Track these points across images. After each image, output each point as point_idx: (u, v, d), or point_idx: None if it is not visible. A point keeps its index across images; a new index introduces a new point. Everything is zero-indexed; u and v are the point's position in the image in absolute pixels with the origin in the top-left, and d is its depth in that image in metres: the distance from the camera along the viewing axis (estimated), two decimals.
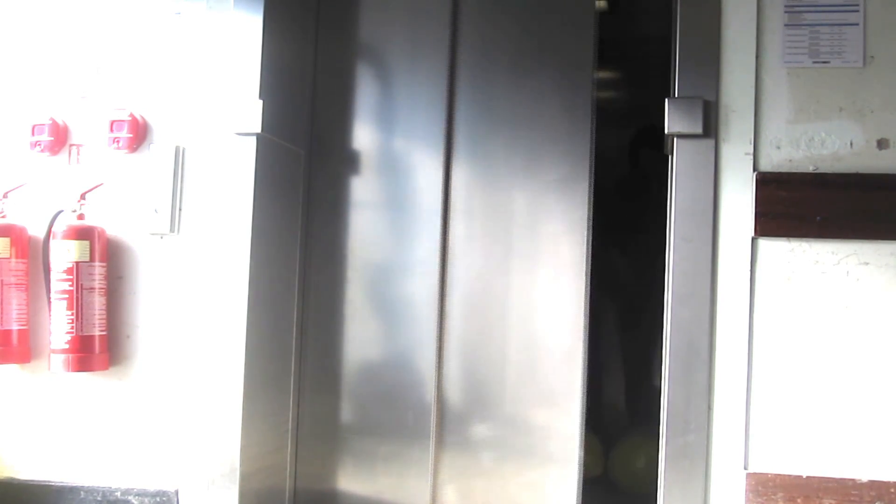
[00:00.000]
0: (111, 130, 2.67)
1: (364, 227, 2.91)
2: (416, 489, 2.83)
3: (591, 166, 2.82)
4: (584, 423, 2.74)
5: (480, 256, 2.84)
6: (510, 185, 2.85)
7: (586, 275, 2.78)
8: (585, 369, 2.74)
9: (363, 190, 2.92)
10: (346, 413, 2.89)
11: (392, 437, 2.86)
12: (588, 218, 2.79)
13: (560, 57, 2.86)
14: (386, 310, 2.89)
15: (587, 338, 2.76)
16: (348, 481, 2.88)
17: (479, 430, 2.83)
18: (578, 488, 2.74)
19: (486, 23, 2.89)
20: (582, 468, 2.73)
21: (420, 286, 2.85)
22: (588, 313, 2.76)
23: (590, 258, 2.79)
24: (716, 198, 2.34)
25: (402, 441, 2.84)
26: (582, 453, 2.73)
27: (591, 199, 2.80)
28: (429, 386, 2.83)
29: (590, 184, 2.81)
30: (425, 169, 2.87)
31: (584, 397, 2.74)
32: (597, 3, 2.84)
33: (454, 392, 2.83)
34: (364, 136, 2.93)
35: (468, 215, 2.85)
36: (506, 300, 2.82)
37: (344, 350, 2.90)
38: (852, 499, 2.24)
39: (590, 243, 2.79)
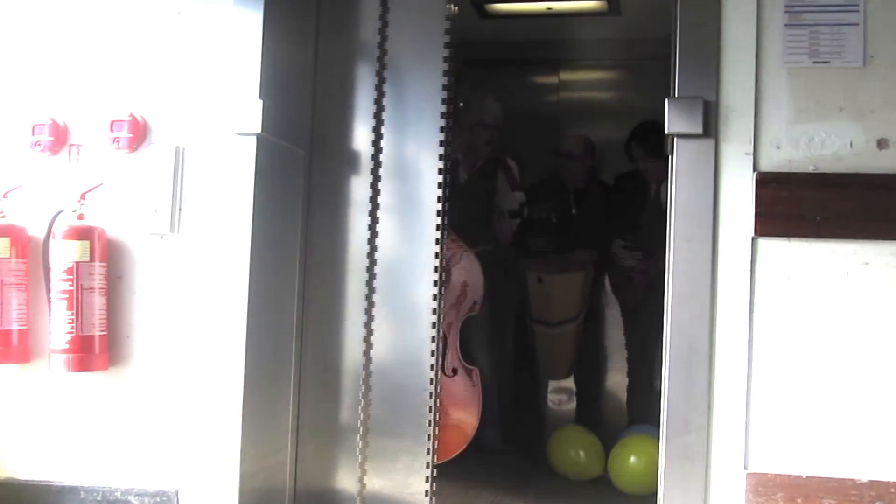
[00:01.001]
0: (111, 130, 2.67)
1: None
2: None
3: (440, 166, 2.85)
4: (434, 410, 2.83)
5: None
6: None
7: (436, 274, 2.85)
8: (434, 369, 2.83)
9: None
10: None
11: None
12: (438, 218, 2.85)
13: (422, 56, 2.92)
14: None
15: (437, 337, 2.84)
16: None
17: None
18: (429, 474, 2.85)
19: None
20: (433, 452, 2.84)
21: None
22: (439, 312, 2.85)
23: (440, 258, 2.86)
24: (716, 198, 2.34)
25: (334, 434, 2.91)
26: (433, 439, 2.84)
27: (443, 199, 2.86)
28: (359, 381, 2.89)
29: (441, 184, 2.85)
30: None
31: (435, 396, 2.84)
32: (450, 7, 2.89)
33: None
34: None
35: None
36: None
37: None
38: (852, 499, 2.24)
39: (440, 242, 2.85)
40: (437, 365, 2.88)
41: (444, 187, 2.86)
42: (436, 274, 2.85)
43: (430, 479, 2.85)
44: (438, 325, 2.88)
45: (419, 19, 2.90)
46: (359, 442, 2.86)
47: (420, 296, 2.86)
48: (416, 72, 2.90)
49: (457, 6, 2.95)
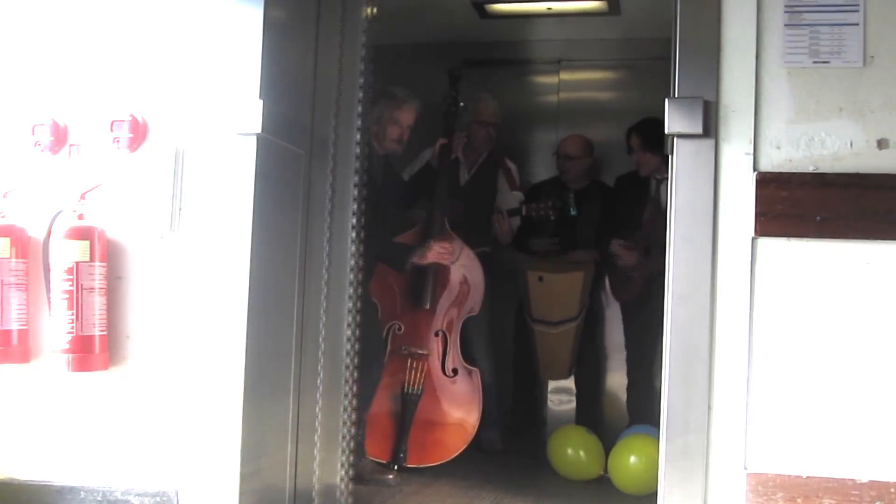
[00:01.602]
0: (111, 130, 2.67)
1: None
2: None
3: (356, 166, 2.94)
4: (351, 410, 2.95)
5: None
6: None
7: (350, 278, 2.91)
8: (353, 366, 2.93)
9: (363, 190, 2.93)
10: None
11: None
12: (353, 216, 2.93)
13: None
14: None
15: (354, 337, 2.94)
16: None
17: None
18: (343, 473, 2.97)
19: None
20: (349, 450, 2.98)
21: None
22: (355, 312, 2.94)
23: (356, 259, 2.94)
24: (716, 198, 2.34)
25: None
26: (350, 435, 2.96)
27: (358, 198, 2.94)
28: None
29: (356, 183, 2.93)
30: None
31: (352, 395, 2.94)
32: (366, 10, 3.03)
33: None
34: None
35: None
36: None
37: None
38: (852, 499, 2.24)
39: (355, 242, 2.93)
40: (353, 363, 2.95)
41: (361, 187, 2.95)
42: (350, 276, 2.92)
43: (344, 477, 2.96)
44: (355, 325, 2.95)
45: (347, 23, 2.99)
46: (316, 437, 2.92)
47: (342, 298, 2.94)
48: (348, 75, 2.98)
49: (373, 9, 3.03)
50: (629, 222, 4.31)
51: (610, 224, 4.38)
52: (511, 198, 4.41)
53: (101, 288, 2.59)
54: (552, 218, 4.23)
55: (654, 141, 3.58)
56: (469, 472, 3.83)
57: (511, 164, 4.53)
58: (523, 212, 4.28)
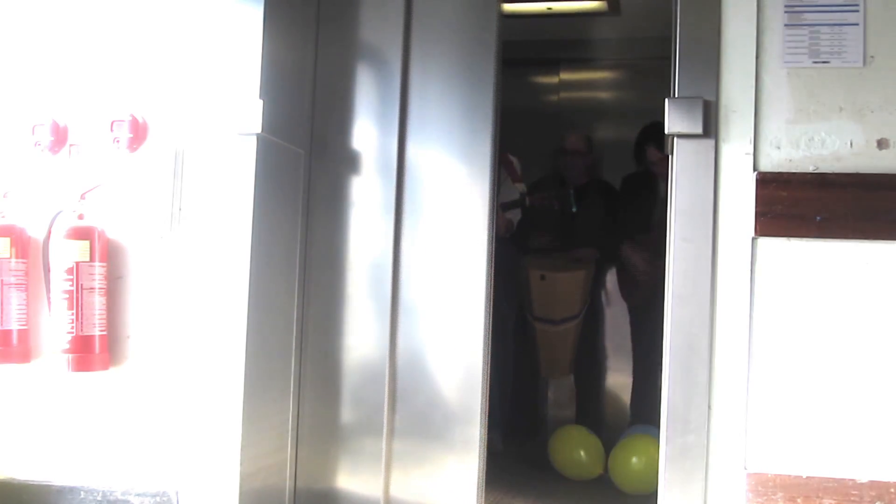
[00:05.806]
0: (111, 130, 2.67)
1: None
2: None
3: (491, 172, 2.81)
4: (484, 411, 2.80)
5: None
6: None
7: (487, 283, 2.82)
8: (487, 361, 2.81)
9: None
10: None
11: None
12: (488, 225, 2.82)
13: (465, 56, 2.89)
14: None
15: (487, 343, 2.82)
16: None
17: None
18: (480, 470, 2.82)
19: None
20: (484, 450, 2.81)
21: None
22: (489, 309, 2.81)
23: (490, 265, 2.82)
24: (716, 198, 2.34)
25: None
26: (483, 436, 2.80)
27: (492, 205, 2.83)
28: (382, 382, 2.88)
29: (492, 192, 2.83)
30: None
31: (486, 390, 2.81)
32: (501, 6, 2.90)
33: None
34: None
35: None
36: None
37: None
38: (852, 499, 2.24)
39: (491, 250, 2.83)
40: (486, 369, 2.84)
41: (494, 194, 2.83)
42: (487, 282, 2.82)
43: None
44: (488, 329, 2.83)
45: (456, 19, 2.89)
46: (384, 441, 2.87)
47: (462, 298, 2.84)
48: (454, 74, 2.87)
49: (503, 4, 2.93)
50: (637, 223, 4.29)
51: (615, 223, 4.37)
52: (513, 190, 4.42)
53: (101, 288, 2.60)
54: (555, 208, 4.21)
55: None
56: None
57: (513, 158, 4.53)
58: (526, 202, 4.27)
